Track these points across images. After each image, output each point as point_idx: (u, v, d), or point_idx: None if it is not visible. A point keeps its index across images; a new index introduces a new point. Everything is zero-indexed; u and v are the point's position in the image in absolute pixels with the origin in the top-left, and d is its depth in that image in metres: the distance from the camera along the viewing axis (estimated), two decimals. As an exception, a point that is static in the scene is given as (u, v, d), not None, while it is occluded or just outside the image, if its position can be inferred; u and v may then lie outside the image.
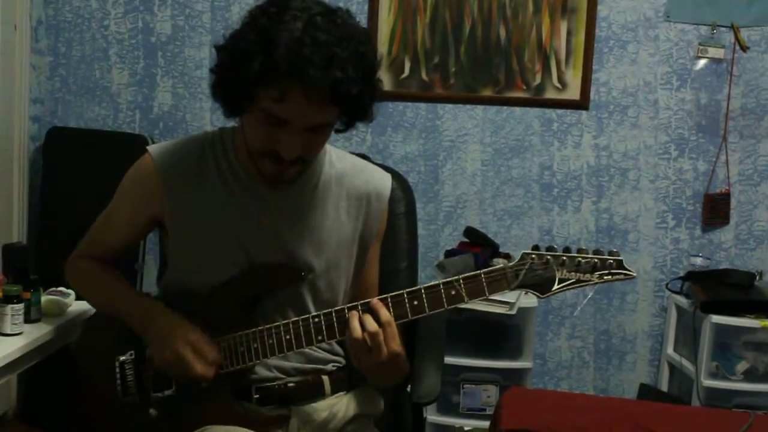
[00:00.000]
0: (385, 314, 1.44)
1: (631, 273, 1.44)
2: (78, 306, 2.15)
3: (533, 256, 1.44)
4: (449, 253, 3.03)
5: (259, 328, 1.52)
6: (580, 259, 1.43)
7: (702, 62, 3.21)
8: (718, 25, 3.17)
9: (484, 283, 1.44)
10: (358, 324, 1.44)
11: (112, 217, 1.67)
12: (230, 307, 1.55)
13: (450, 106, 3.25)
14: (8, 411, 3.09)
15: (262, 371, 1.58)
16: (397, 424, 1.87)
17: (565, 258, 1.43)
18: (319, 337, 1.49)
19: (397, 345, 1.45)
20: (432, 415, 2.86)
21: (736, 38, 3.16)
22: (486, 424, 2.00)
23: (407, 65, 3.22)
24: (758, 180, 3.25)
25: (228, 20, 3.20)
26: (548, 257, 1.43)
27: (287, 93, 1.37)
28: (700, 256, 3.18)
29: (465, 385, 2.91)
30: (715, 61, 3.20)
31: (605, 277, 1.43)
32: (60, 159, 3.12)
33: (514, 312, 2.77)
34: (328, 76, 1.35)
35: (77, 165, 3.08)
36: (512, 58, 3.20)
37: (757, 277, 3.05)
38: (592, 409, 1.86)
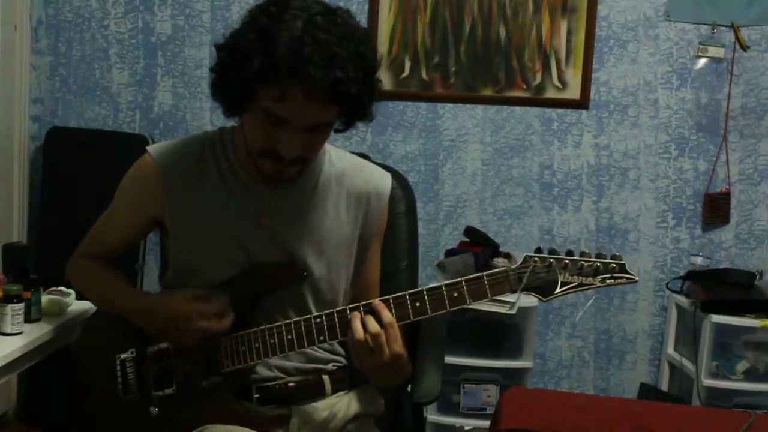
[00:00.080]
0: (387, 315, 1.44)
1: (633, 277, 1.44)
2: (78, 305, 2.15)
3: (536, 259, 1.44)
4: (449, 253, 3.03)
5: (261, 327, 1.52)
6: (582, 262, 1.43)
7: (702, 61, 3.21)
8: (718, 25, 3.17)
9: (487, 286, 1.45)
10: (360, 325, 1.44)
11: (113, 217, 1.67)
12: (232, 306, 1.55)
13: (450, 105, 3.25)
14: (8, 411, 3.09)
15: (262, 371, 1.58)
16: (397, 423, 1.87)
17: (567, 261, 1.43)
18: (321, 338, 1.49)
19: (399, 346, 1.45)
20: (432, 415, 2.86)
21: (737, 37, 3.16)
22: (486, 423, 2.00)
23: (407, 65, 3.22)
24: (758, 179, 3.25)
25: (228, 20, 3.20)
26: (551, 260, 1.44)
27: (287, 92, 1.37)
28: (701, 256, 3.17)
29: (465, 385, 2.91)
30: (715, 60, 3.20)
31: (608, 281, 1.43)
32: (60, 159, 3.12)
33: (514, 311, 2.77)
34: (328, 75, 1.35)
35: (77, 165, 3.08)
36: (512, 57, 3.20)
37: (758, 277, 3.04)
38: (592, 409, 1.85)
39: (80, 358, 1.70)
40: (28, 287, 2.03)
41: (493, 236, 3.13)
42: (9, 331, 1.94)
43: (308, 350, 1.58)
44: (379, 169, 1.70)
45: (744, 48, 3.17)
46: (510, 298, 2.74)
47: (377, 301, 1.46)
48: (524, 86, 3.22)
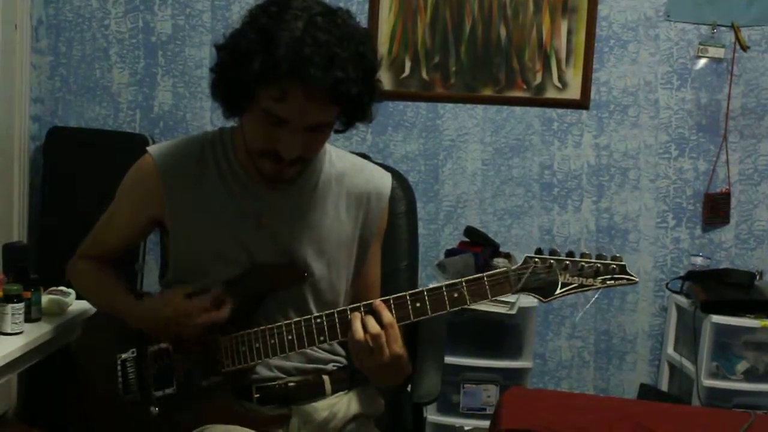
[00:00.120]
0: (388, 316, 1.44)
1: (633, 278, 1.44)
2: (78, 305, 2.15)
3: (536, 259, 1.44)
4: (449, 253, 3.03)
5: (261, 327, 1.52)
6: (583, 263, 1.43)
7: (702, 62, 3.21)
8: (718, 25, 3.17)
9: (487, 286, 1.44)
10: (360, 325, 1.44)
11: (113, 217, 1.67)
12: (232, 306, 1.55)
13: (450, 105, 3.25)
14: (8, 410, 3.09)
15: (262, 371, 1.58)
16: (397, 423, 1.87)
17: (568, 262, 1.43)
18: (321, 338, 1.49)
19: (399, 347, 1.45)
20: (432, 415, 2.86)
21: (737, 38, 3.16)
22: (486, 423, 2.00)
23: (407, 65, 3.22)
24: (758, 179, 3.25)
25: (228, 19, 3.20)
26: (551, 261, 1.43)
27: (287, 92, 1.37)
28: (701, 256, 3.17)
29: (465, 385, 2.91)
30: (715, 60, 3.20)
31: (608, 282, 1.43)
32: (60, 159, 3.12)
33: (514, 312, 2.77)
34: (328, 75, 1.35)
35: (77, 165, 3.08)
36: (512, 57, 3.20)
37: (758, 277, 3.04)
38: (592, 409, 1.85)
39: (80, 357, 1.70)
40: (28, 287, 2.03)
41: (493, 236, 3.13)
42: (9, 331, 1.95)
43: (308, 350, 1.58)
44: (380, 169, 1.70)
45: (744, 48, 3.17)
46: (510, 298, 2.75)
47: (378, 302, 1.46)
48: (524, 86, 3.22)
